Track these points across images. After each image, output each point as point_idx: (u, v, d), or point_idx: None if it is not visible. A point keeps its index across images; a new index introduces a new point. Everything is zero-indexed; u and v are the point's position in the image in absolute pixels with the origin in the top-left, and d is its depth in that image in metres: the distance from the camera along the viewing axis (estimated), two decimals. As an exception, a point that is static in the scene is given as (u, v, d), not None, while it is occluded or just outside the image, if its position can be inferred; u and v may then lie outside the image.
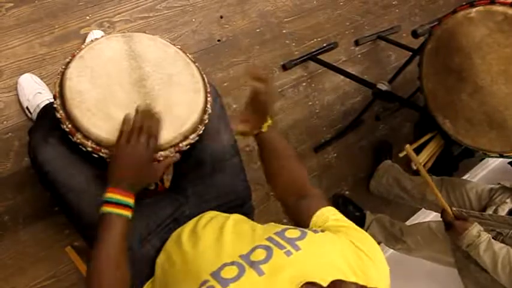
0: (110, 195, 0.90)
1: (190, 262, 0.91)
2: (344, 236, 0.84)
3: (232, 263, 0.80)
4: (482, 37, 1.48)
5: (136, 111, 0.96)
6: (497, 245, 1.63)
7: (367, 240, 0.86)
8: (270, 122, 1.08)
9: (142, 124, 0.94)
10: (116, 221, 0.89)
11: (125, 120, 0.96)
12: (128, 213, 0.91)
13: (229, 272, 0.78)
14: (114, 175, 0.92)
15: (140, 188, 0.96)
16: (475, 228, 1.70)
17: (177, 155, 1.04)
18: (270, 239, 0.84)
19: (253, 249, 0.82)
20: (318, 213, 0.93)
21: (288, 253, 0.78)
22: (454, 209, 1.88)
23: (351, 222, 0.92)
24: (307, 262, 0.78)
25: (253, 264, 0.78)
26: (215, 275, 0.78)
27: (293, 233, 0.84)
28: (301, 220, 0.96)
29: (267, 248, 0.81)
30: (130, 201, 0.92)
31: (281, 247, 0.80)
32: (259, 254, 0.80)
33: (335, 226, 0.89)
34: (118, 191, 0.91)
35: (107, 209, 0.90)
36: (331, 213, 0.94)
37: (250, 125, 1.07)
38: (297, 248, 0.79)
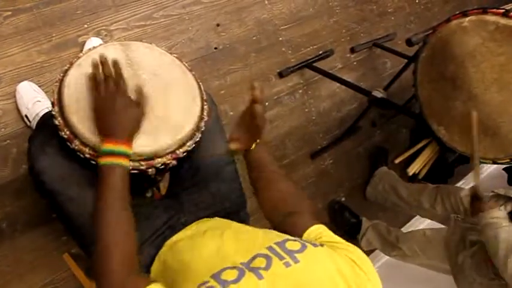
0: (104, 146, 0.93)
1: (189, 267, 0.92)
2: (340, 251, 0.85)
3: (233, 268, 0.81)
4: (475, 46, 1.50)
5: (95, 65, 0.98)
6: None
7: (361, 256, 0.87)
8: (258, 140, 1.09)
9: (106, 72, 0.98)
10: (115, 170, 0.92)
11: (90, 76, 0.98)
12: (125, 161, 0.94)
13: (230, 275, 0.78)
14: (100, 129, 0.96)
15: (131, 132, 0.97)
16: (503, 212, 1.67)
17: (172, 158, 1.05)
18: (270, 248, 0.84)
19: (253, 258, 0.83)
20: (307, 231, 0.93)
21: (287, 264, 0.79)
22: (451, 219, 1.89)
23: (341, 238, 0.92)
24: (305, 275, 0.79)
25: (253, 269, 0.79)
26: (215, 276, 0.79)
27: (293, 245, 0.85)
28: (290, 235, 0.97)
29: (267, 257, 0.82)
30: (125, 149, 0.94)
31: (281, 258, 0.81)
32: (259, 262, 0.81)
33: (330, 242, 0.89)
34: (110, 141, 0.93)
35: (103, 160, 0.92)
36: (322, 231, 0.93)
37: (242, 144, 1.07)
38: (296, 261, 0.80)
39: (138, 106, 0.99)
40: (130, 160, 0.97)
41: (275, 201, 1.08)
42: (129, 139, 0.96)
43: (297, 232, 0.94)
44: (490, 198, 1.74)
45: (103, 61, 0.98)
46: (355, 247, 0.89)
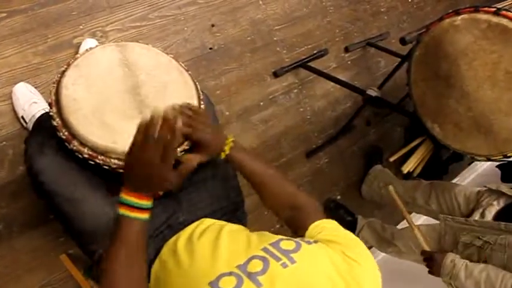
0: (126, 197, 0.86)
1: (187, 271, 0.92)
2: (335, 246, 0.86)
3: (230, 274, 0.81)
4: (467, 44, 1.52)
5: (153, 115, 0.83)
6: (477, 269, 1.62)
7: (358, 248, 0.88)
8: (227, 147, 1.06)
9: (162, 134, 0.83)
10: (134, 224, 0.86)
11: (140, 126, 0.85)
12: (145, 215, 0.87)
13: (228, 283, 0.79)
14: (130, 178, 0.88)
15: (156, 192, 0.90)
16: (449, 258, 1.71)
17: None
18: (265, 249, 0.85)
19: (249, 260, 0.84)
20: (312, 226, 0.95)
21: (284, 265, 0.80)
22: (441, 219, 1.94)
23: (344, 231, 0.94)
24: (302, 274, 0.80)
25: (250, 276, 0.79)
26: (213, 284, 0.80)
27: (288, 244, 0.86)
28: (296, 231, 0.98)
29: (263, 259, 0.82)
30: (147, 203, 0.87)
31: (277, 259, 0.82)
32: (256, 265, 0.81)
33: (327, 235, 0.91)
34: (134, 194, 0.86)
35: (123, 211, 0.86)
36: (324, 225, 0.96)
37: (200, 156, 1.04)
38: (293, 261, 0.81)
39: (172, 177, 0.92)
40: None
41: (274, 200, 1.10)
42: (152, 196, 0.89)
43: (303, 227, 0.95)
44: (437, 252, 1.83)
45: (166, 118, 0.84)
46: (353, 239, 0.91)
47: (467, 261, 1.68)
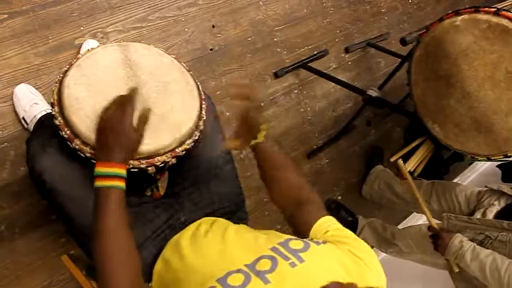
0: (99, 169, 0.89)
1: (193, 269, 0.93)
2: (343, 246, 0.87)
3: (238, 271, 0.82)
4: (468, 44, 1.52)
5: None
6: (483, 253, 1.66)
7: (364, 248, 0.90)
8: (264, 132, 1.10)
9: (120, 100, 0.93)
10: (111, 192, 0.88)
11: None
12: (120, 183, 0.89)
13: (236, 280, 0.79)
14: (99, 149, 0.92)
15: (126, 156, 0.93)
16: (457, 239, 1.73)
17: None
18: (274, 249, 0.86)
19: (258, 259, 0.84)
20: (317, 224, 0.96)
21: (293, 264, 0.81)
22: (444, 218, 1.94)
23: (348, 231, 0.95)
24: (311, 273, 0.80)
25: (258, 274, 0.80)
26: (221, 281, 0.80)
27: (297, 244, 0.87)
28: (300, 229, 0.98)
29: (272, 259, 0.83)
30: (120, 171, 0.90)
31: (286, 258, 0.83)
32: (265, 264, 0.82)
33: (334, 236, 0.92)
34: (106, 164, 0.89)
35: (99, 183, 0.88)
36: (330, 224, 0.96)
37: (242, 140, 1.09)
38: (301, 260, 0.82)
39: (137, 132, 0.95)
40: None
41: (284, 192, 1.10)
42: (124, 162, 0.91)
43: (307, 223, 0.96)
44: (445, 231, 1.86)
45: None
46: (358, 240, 0.92)
47: (474, 243, 1.70)
